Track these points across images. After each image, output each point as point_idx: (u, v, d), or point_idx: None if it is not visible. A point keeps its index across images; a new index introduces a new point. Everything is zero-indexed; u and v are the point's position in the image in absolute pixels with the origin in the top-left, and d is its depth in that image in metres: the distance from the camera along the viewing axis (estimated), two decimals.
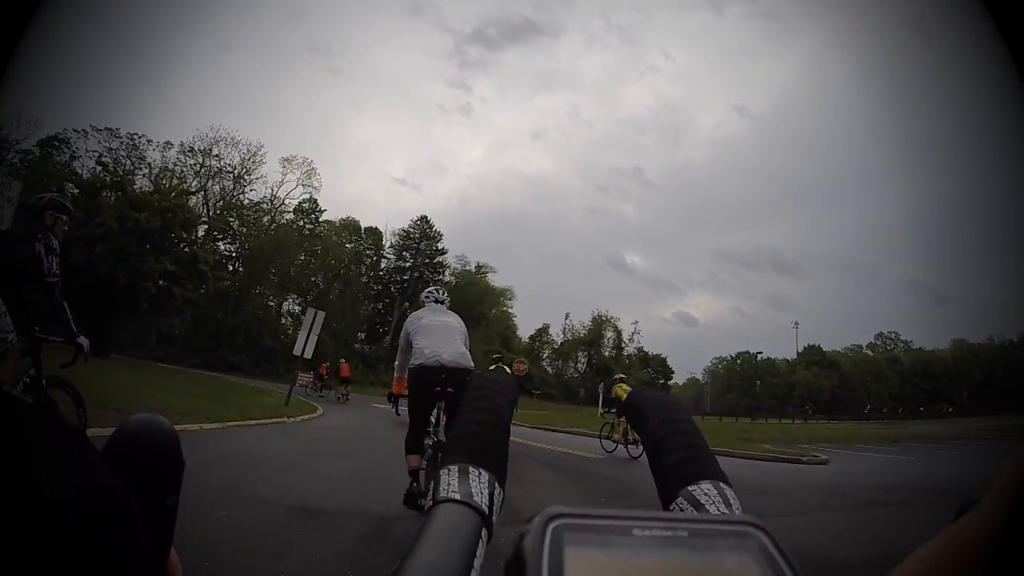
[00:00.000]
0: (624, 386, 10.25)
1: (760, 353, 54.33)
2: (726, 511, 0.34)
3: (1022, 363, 52.64)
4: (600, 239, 74.71)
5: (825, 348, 54.58)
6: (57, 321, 3.03)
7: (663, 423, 0.41)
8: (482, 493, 0.33)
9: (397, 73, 78.77)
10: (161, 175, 35.83)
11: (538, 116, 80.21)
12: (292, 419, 9.97)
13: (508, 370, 10.38)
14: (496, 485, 0.35)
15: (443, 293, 3.78)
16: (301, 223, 46.73)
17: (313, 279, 46.27)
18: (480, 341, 47.06)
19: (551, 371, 51.46)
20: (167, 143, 40.17)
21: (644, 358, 53.37)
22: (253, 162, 44.02)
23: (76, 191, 26.55)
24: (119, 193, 27.59)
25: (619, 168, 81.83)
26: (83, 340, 3.10)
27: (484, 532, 0.31)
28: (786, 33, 73.22)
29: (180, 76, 55.97)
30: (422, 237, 50.18)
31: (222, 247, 45.14)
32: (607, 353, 51.22)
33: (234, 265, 44.37)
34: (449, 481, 0.34)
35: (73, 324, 3.06)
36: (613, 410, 10.52)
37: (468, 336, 3.60)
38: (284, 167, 46.43)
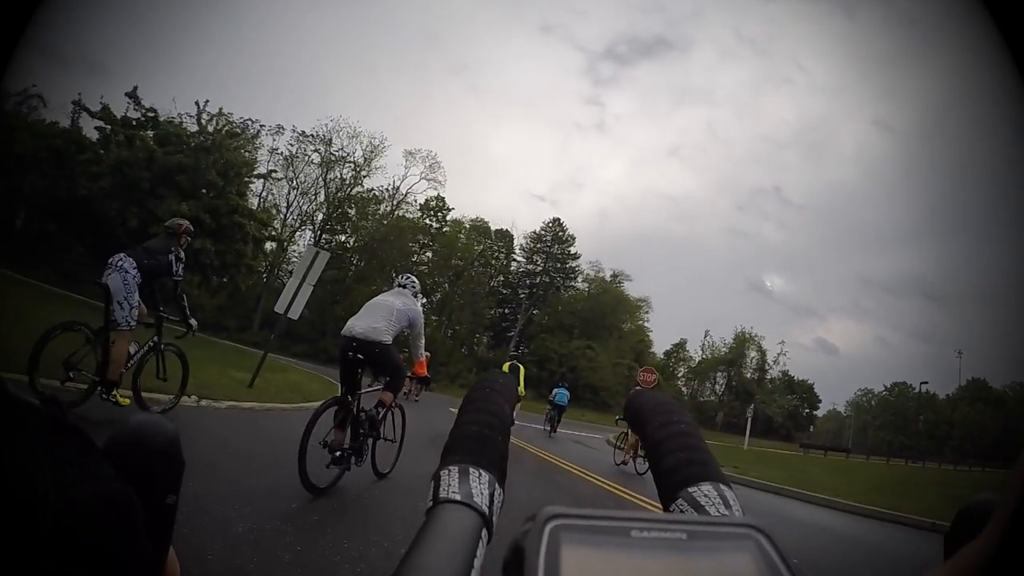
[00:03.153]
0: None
1: (926, 383, 45.83)
2: (726, 513, 0.33)
3: None
4: (739, 260, 70.50)
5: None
6: (177, 306, 4.49)
7: (662, 424, 0.40)
8: (482, 494, 0.33)
9: (531, 91, 77.67)
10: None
11: (675, 132, 76.73)
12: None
13: (522, 369, 9.10)
14: (496, 486, 0.34)
15: (406, 279, 4.18)
16: (427, 221, 44.19)
17: (437, 279, 43.41)
18: (612, 353, 43.33)
19: (685, 391, 47.30)
20: (279, 126, 38.72)
21: (789, 383, 48.51)
22: (374, 152, 41.91)
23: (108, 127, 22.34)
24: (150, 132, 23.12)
25: (759, 187, 77.19)
26: (193, 321, 4.54)
27: (484, 533, 0.31)
28: (928, 40, 67.68)
29: (311, 79, 55.41)
30: (554, 240, 47.14)
31: (343, 239, 42.97)
32: (749, 375, 47.01)
33: (352, 258, 42.00)
34: (449, 482, 0.33)
35: (188, 310, 4.50)
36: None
37: (411, 314, 3.90)
38: (407, 160, 44.28)
